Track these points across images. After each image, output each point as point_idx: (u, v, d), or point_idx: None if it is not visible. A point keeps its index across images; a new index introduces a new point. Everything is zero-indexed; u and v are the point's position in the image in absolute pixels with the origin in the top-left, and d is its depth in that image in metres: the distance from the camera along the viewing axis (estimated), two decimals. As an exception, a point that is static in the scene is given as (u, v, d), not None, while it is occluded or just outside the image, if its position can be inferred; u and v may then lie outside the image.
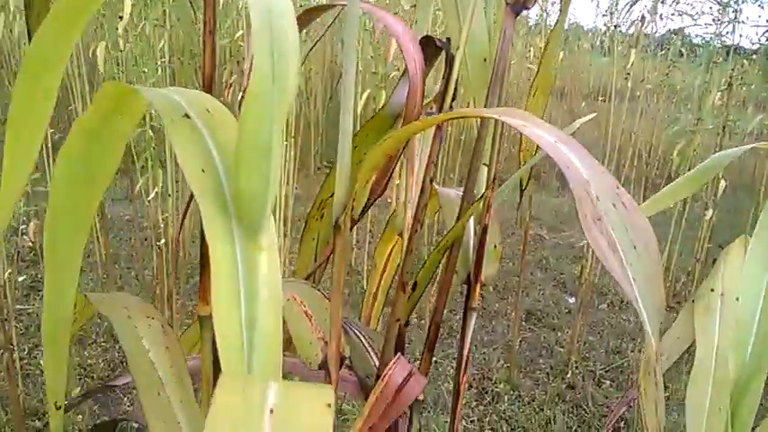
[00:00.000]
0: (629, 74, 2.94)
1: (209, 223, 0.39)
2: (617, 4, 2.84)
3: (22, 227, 2.33)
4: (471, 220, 0.74)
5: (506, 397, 2.36)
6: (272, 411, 0.30)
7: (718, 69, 2.69)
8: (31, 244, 2.73)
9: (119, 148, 0.45)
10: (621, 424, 2.23)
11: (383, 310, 0.86)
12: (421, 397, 0.68)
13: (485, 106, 0.62)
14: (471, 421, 2.21)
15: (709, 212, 2.42)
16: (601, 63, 6.81)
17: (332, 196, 0.50)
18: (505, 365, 2.54)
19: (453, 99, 0.58)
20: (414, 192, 0.65)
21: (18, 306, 2.55)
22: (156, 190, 1.92)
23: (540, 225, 4.29)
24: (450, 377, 2.45)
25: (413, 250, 0.61)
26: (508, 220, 4.32)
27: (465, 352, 0.75)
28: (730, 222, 3.33)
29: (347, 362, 0.70)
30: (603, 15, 2.98)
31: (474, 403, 2.31)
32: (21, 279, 2.43)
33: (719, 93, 2.55)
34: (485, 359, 2.59)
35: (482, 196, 0.68)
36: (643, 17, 2.68)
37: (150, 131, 1.83)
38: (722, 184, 2.28)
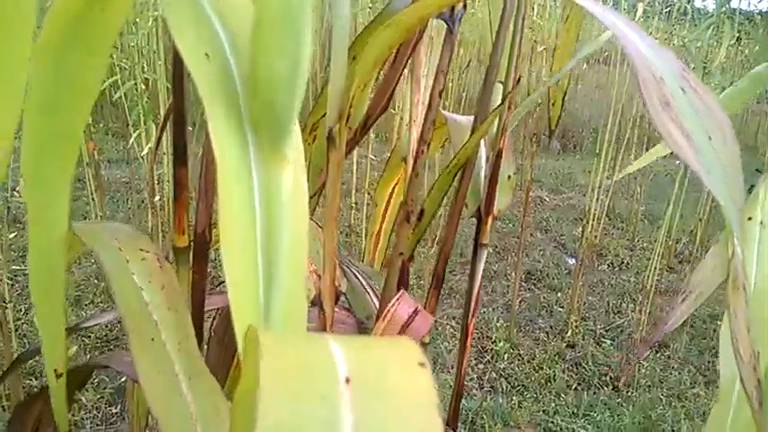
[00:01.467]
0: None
1: (215, 125, 0.30)
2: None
3: (12, 183, 2.30)
4: (483, 148, 0.69)
5: (506, 356, 2.35)
6: (347, 381, 0.21)
7: (725, 25, 2.63)
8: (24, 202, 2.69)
9: (106, 45, 0.38)
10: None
11: (386, 254, 0.82)
12: (426, 339, 0.64)
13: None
14: (471, 379, 2.21)
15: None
16: (602, 27, 6.67)
17: (325, 116, 0.46)
18: (505, 325, 2.53)
19: (465, 6, 0.52)
20: (419, 109, 0.59)
21: (13, 267, 2.52)
22: (149, 145, 1.88)
23: (540, 187, 4.26)
24: (450, 336, 2.44)
25: (418, 174, 0.56)
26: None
27: (475, 291, 0.72)
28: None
29: (344, 303, 0.66)
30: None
31: (474, 362, 2.30)
32: (12, 236, 2.39)
33: (726, 50, 2.49)
34: (484, 319, 2.58)
35: (496, 109, 0.61)
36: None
37: (142, 85, 1.79)
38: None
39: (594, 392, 2.18)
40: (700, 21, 3.70)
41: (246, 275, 0.29)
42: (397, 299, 0.56)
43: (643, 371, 2.32)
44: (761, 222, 0.52)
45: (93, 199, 2.58)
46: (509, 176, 0.69)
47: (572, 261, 3.15)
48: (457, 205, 0.63)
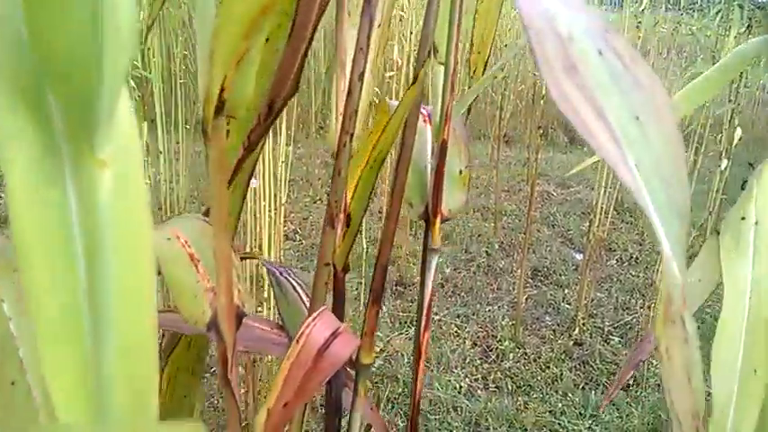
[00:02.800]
0: (640, 22, 2.82)
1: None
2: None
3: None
4: (429, 137, 0.60)
5: (511, 355, 2.30)
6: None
7: (734, 13, 2.56)
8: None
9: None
10: (630, 381, 2.18)
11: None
12: (368, 361, 0.56)
13: None
14: (475, 379, 2.16)
15: (724, 163, 2.32)
16: (611, 17, 6.61)
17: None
18: (511, 323, 2.48)
19: None
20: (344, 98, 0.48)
21: None
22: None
23: (547, 181, 4.20)
24: (455, 335, 2.39)
25: (341, 172, 0.47)
26: (515, 176, 4.23)
27: (426, 303, 0.62)
28: (743, 176, 3.22)
29: (278, 319, 0.59)
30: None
31: (478, 361, 2.25)
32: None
33: (735, 39, 2.42)
34: (489, 317, 2.53)
35: (410, 86, 0.50)
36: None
37: (131, 82, 1.74)
38: (738, 132, 2.17)
39: (602, 392, 2.13)
40: (709, 9, 3.63)
41: (63, 329, 0.21)
42: (314, 318, 0.47)
43: (653, 369, 2.27)
44: (755, 222, 0.45)
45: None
46: (460, 171, 0.61)
47: (579, 257, 3.09)
48: (393, 206, 0.54)
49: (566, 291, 2.80)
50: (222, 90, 0.28)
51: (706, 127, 2.61)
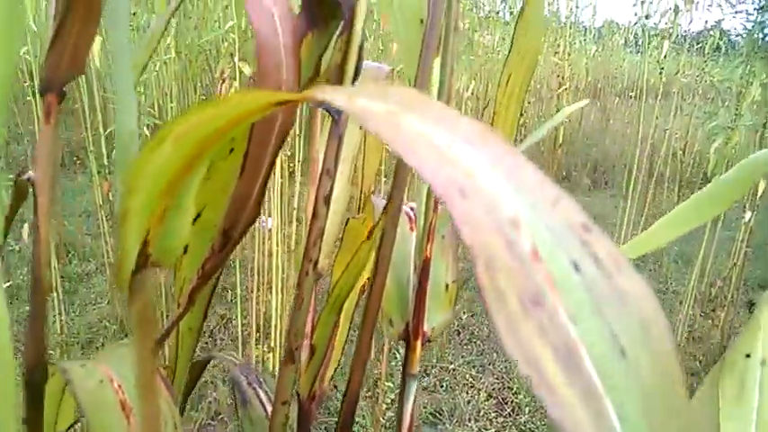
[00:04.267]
0: (662, 68, 2.79)
1: None
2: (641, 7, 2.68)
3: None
4: (412, 247, 0.53)
5: (527, 408, 2.23)
6: None
7: (759, 62, 2.52)
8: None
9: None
10: None
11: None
12: None
13: (414, 83, 0.43)
14: (489, 434, 2.09)
15: (748, 215, 2.25)
16: (635, 60, 6.59)
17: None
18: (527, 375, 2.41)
19: (357, 75, 0.39)
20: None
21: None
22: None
23: (569, 226, 4.14)
24: (469, 386, 2.33)
25: (303, 302, 0.41)
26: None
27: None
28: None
29: None
30: (633, 5, 2.82)
31: (493, 415, 2.19)
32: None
33: (761, 87, 2.38)
34: (505, 367, 2.47)
35: (385, 206, 0.43)
36: (676, 7, 2.53)
37: (146, 132, 1.76)
38: (762, 185, 2.12)
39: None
40: (734, 56, 3.59)
41: None
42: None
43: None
44: (762, 360, 0.38)
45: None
46: (447, 286, 0.53)
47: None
48: (365, 329, 0.46)
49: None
50: (146, 244, 0.24)
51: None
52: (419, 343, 0.50)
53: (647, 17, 2.65)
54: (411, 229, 0.54)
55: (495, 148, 0.17)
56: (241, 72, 1.71)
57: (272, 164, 0.33)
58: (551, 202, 0.17)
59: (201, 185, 0.25)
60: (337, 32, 0.37)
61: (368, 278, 0.48)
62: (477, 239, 0.15)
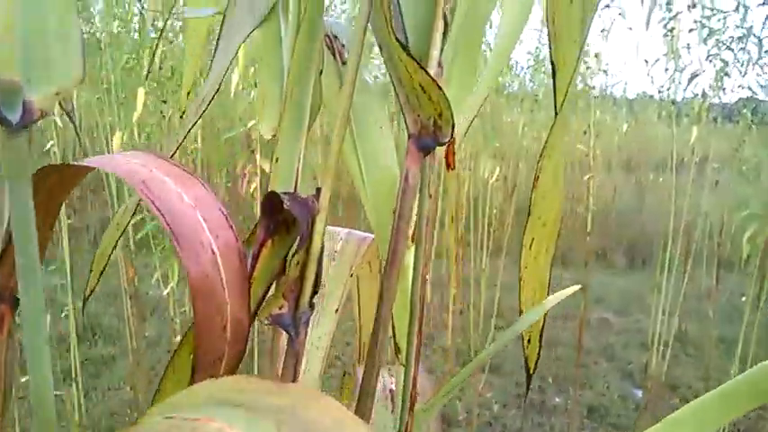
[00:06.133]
0: (693, 149, 2.74)
1: None
2: (674, 79, 2.66)
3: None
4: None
5: None
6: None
7: None
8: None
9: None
10: None
11: None
12: None
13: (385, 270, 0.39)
14: None
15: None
16: (667, 134, 6.53)
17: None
18: None
19: (315, 292, 0.35)
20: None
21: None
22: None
23: (605, 307, 4.01)
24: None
25: None
26: (570, 300, 4.06)
27: None
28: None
29: None
30: (660, 92, 2.80)
31: None
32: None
33: None
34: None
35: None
36: (704, 93, 2.50)
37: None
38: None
39: None
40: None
41: None
42: None
43: None
44: None
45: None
46: None
47: (640, 393, 2.87)
48: None
49: (624, 433, 2.59)
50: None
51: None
52: None
53: (673, 103, 2.63)
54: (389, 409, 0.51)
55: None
56: (263, 170, 1.72)
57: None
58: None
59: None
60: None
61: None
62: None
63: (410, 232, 0.40)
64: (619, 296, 4.19)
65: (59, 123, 1.85)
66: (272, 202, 0.33)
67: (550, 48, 0.43)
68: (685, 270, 3.14)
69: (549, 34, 0.42)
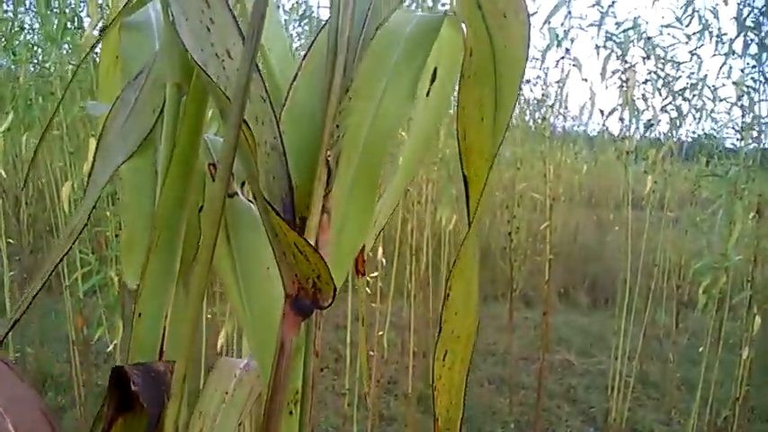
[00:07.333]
0: (656, 181, 2.80)
1: None
2: (630, 127, 2.71)
3: None
4: None
5: None
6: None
7: (750, 184, 2.44)
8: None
9: None
10: None
11: None
12: None
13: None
14: None
15: (746, 352, 2.16)
16: (629, 170, 6.60)
17: None
18: None
19: None
20: None
21: None
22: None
23: (567, 349, 4.00)
24: None
25: None
26: (534, 342, 4.05)
27: None
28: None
29: None
30: (615, 141, 2.86)
31: None
32: None
33: (750, 219, 2.32)
34: None
35: None
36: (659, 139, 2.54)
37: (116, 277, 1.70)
38: (757, 321, 2.03)
39: None
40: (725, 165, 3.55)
41: None
42: None
43: None
44: None
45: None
46: None
47: (601, 438, 2.86)
48: None
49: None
50: None
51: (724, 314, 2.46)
52: None
53: (627, 153, 2.67)
54: None
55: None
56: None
57: None
58: None
59: None
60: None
61: None
62: None
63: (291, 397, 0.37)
64: (581, 337, 4.19)
65: (3, 173, 1.80)
66: (118, 377, 0.29)
67: (461, 162, 0.41)
68: (646, 309, 3.16)
69: (459, 150, 0.41)
